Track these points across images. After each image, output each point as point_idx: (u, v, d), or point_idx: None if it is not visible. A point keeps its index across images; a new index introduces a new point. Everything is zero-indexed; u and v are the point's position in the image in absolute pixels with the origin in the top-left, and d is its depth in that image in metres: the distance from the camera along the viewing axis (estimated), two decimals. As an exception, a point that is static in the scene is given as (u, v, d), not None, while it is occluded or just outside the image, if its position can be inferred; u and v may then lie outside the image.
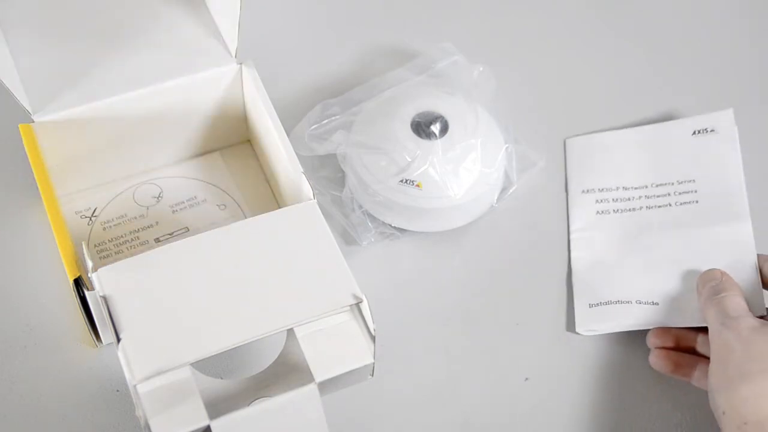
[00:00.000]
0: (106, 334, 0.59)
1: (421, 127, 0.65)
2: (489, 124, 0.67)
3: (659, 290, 0.62)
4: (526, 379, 0.61)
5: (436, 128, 0.65)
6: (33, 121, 0.60)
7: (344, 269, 0.53)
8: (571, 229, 0.67)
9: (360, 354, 0.53)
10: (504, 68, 0.73)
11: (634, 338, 0.62)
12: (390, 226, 0.66)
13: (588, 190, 0.68)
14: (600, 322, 0.62)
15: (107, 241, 0.63)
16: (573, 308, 0.63)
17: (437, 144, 0.64)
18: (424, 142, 0.64)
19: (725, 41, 0.79)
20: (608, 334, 0.62)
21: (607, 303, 0.62)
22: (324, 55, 0.75)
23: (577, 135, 0.71)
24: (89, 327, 0.58)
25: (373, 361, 0.53)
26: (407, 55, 0.74)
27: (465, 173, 0.64)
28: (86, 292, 0.54)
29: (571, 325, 0.63)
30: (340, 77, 0.74)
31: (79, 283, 0.54)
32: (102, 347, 0.60)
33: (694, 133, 0.69)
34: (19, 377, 0.59)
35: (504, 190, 0.68)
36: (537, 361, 0.61)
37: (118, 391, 0.59)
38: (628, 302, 0.62)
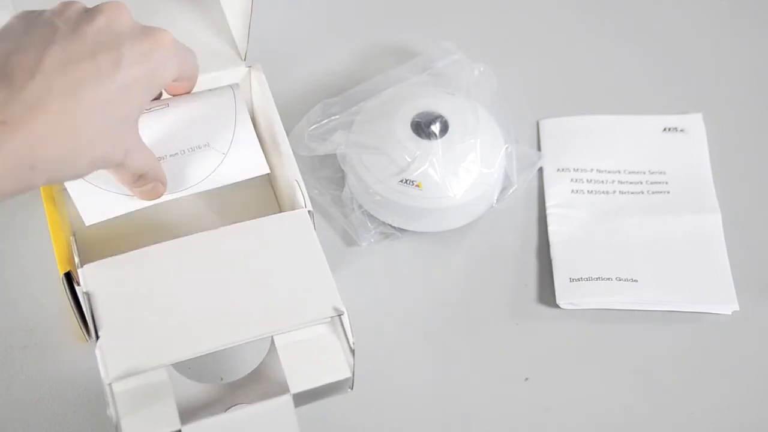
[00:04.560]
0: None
1: (421, 127, 0.65)
2: (489, 124, 0.67)
3: (637, 269, 0.64)
4: (526, 379, 0.61)
5: (436, 128, 0.65)
6: None
7: (329, 281, 0.53)
8: (547, 205, 0.67)
9: (338, 367, 0.52)
10: (504, 68, 0.73)
11: (635, 339, 0.62)
12: (390, 226, 0.66)
13: (563, 169, 0.69)
14: (581, 297, 0.63)
15: None
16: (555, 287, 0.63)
17: (437, 144, 0.64)
18: (424, 142, 0.64)
19: (718, 48, 0.79)
20: (606, 330, 0.62)
21: (588, 279, 0.63)
22: (324, 55, 0.75)
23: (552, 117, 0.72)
24: (79, 321, 0.58)
25: (350, 375, 0.52)
26: (407, 54, 0.74)
27: (465, 173, 0.64)
28: (76, 287, 0.54)
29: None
30: (340, 77, 0.74)
31: (69, 278, 0.54)
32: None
33: (665, 129, 0.71)
34: (19, 377, 0.59)
35: (504, 190, 0.68)
36: (537, 361, 0.61)
37: (117, 391, 0.59)
38: (608, 279, 0.63)
